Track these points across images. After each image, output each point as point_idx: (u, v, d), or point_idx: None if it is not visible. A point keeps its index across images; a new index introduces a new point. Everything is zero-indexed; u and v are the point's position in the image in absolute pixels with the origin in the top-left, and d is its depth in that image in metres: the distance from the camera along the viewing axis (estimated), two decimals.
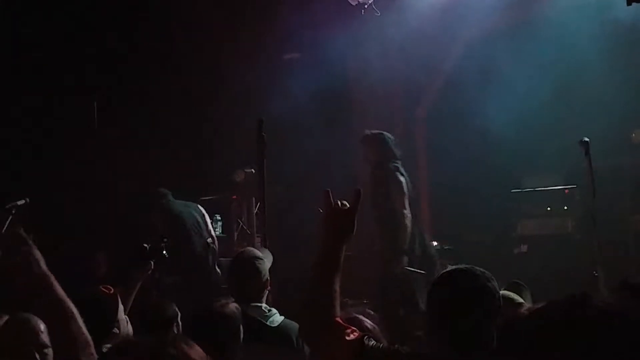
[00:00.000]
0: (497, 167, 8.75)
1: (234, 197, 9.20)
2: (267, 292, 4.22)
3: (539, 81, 8.26)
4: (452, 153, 8.74)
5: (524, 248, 8.45)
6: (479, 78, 8.74)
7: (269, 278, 4.22)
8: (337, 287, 2.82)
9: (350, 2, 7.84)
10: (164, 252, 4.42)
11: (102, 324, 3.72)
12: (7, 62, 8.49)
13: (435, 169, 9.32)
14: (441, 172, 9.02)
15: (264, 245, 5.14)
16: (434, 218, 9.56)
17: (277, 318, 4.07)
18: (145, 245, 4.33)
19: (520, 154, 8.68)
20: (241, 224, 9.17)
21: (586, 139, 6.06)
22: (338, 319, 2.76)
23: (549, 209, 8.57)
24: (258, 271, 4.16)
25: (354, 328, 2.79)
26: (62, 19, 8.72)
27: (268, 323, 3.99)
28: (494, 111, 8.73)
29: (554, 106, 8.52)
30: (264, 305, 4.09)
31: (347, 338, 2.72)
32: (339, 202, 2.95)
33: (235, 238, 9.14)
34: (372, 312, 3.62)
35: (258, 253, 4.31)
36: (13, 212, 6.07)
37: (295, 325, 3.85)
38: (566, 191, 8.57)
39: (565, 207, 8.52)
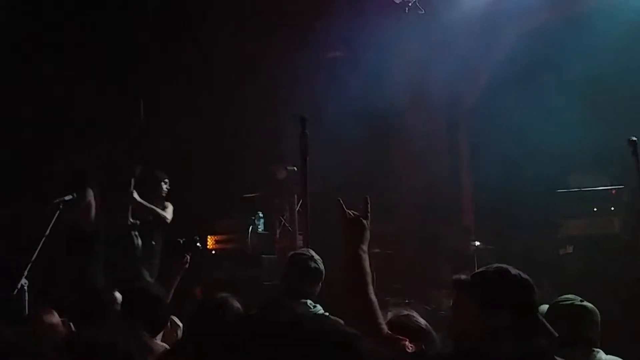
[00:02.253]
0: (544, 167, 8.64)
1: (275, 200, 9.26)
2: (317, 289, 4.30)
3: (587, 78, 8.14)
4: (498, 152, 8.66)
5: (570, 249, 8.33)
6: (524, 76, 8.65)
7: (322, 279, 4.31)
8: (373, 295, 2.83)
9: (394, 0, 7.81)
10: (198, 244, 4.51)
11: (155, 315, 3.83)
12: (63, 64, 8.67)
13: (480, 168, 9.25)
14: (486, 171, 8.95)
15: (306, 242, 5.15)
16: (478, 217, 9.51)
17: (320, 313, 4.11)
18: (180, 239, 4.42)
19: (567, 153, 8.56)
20: (283, 221, 9.21)
21: (634, 138, 5.95)
22: (387, 332, 2.77)
23: (595, 209, 8.44)
24: (312, 271, 4.26)
25: (403, 338, 2.79)
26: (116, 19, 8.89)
27: None
28: (540, 110, 8.64)
29: (602, 104, 8.39)
30: (309, 301, 4.15)
31: (407, 350, 2.74)
32: (350, 212, 3.05)
33: (277, 235, 9.18)
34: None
35: (314, 254, 4.38)
36: (60, 207, 6.19)
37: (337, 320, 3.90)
38: (613, 191, 8.42)
39: (612, 208, 8.37)
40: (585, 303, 3.64)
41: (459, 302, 2.80)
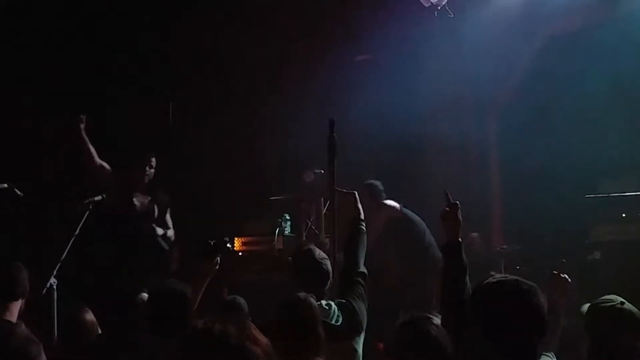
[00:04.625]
0: (573, 171, 8.57)
1: (303, 198, 9.27)
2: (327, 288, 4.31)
3: (617, 81, 8.08)
4: (526, 156, 8.62)
5: (597, 255, 8.25)
6: (554, 79, 8.60)
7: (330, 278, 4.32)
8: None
9: (424, 3, 7.80)
10: (228, 245, 4.52)
11: (178, 317, 3.86)
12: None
13: (509, 171, 9.21)
14: (515, 174, 8.91)
15: (333, 245, 5.16)
16: (507, 220, 9.46)
17: (336, 313, 4.11)
18: (211, 241, 4.43)
19: (597, 157, 8.49)
20: (310, 224, 9.22)
21: None
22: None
23: (624, 215, 8.35)
24: (324, 271, 4.27)
25: None
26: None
27: (333, 322, 4.05)
28: (570, 113, 8.58)
29: (633, 109, 8.31)
30: (323, 302, 4.13)
31: None
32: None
33: (304, 238, 9.20)
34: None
35: (317, 253, 4.37)
36: (90, 207, 6.25)
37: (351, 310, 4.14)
38: None
39: None
40: (627, 305, 3.59)
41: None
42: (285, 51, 9.48)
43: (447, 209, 3.57)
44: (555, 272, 4.03)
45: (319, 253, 4.39)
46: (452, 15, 7.85)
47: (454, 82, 8.94)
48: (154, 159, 7.47)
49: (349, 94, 8.47)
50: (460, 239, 3.49)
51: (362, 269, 4.47)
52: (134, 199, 7.35)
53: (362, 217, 4.70)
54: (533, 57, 9.05)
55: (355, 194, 4.79)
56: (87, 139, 7.28)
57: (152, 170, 7.46)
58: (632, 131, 8.28)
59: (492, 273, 3.39)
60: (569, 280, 3.99)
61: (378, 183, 8.00)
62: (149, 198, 7.44)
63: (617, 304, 3.59)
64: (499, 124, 9.69)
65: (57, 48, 8.69)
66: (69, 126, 7.30)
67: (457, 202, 3.59)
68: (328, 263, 4.35)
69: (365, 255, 4.56)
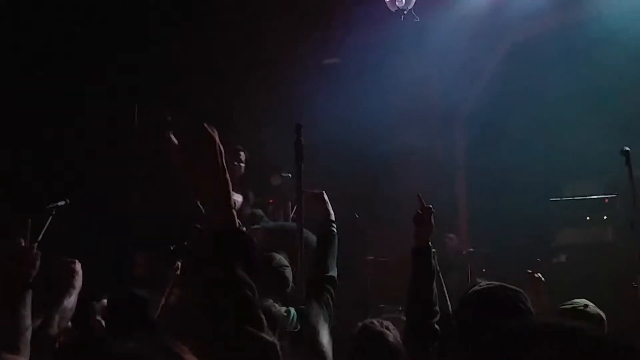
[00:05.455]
0: (538, 174, 8.65)
1: (271, 200, 9.21)
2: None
3: (581, 88, 8.17)
4: (492, 159, 8.67)
5: (562, 258, 8.33)
6: (519, 86, 8.67)
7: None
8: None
9: (390, 8, 7.82)
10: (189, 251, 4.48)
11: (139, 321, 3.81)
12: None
13: (475, 175, 9.26)
14: (481, 177, 8.97)
15: (300, 250, 5.13)
16: (472, 224, 9.50)
17: (295, 320, 4.07)
18: (171, 246, 4.39)
19: (561, 161, 8.58)
20: None
21: (627, 148, 5.97)
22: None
23: (588, 218, 8.45)
24: (283, 278, 4.26)
25: None
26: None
27: (292, 329, 4.00)
28: (533, 118, 8.65)
29: (595, 114, 8.41)
30: (283, 309, 4.08)
31: None
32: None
33: None
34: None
35: (282, 260, 4.34)
36: (53, 212, 6.15)
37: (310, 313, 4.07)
38: (606, 200, 8.44)
39: (605, 217, 8.38)
40: (590, 308, 3.61)
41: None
42: (252, 53, 9.43)
43: (420, 212, 3.59)
44: (529, 271, 4.12)
45: (279, 260, 4.35)
46: (418, 20, 7.88)
47: (420, 87, 8.96)
48: (242, 153, 7.12)
49: (316, 98, 8.45)
50: (430, 244, 3.52)
51: (331, 273, 4.40)
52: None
53: (333, 218, 4.62)
54: (496, 64, 9.12)
55: (323, 193, 4.71)
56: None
57: (243, 166, 7.10)
58: (596, 135, 8.37)
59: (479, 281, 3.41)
60: (542, 279, 4.04)
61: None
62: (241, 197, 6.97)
63: (581, 306, 3.62)
64: (464, 129, 9.74)
65: None
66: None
67: (430, 206, 3.59)
68: (288, 270, 4.30)
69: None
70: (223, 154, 2.15)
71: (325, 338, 4.20)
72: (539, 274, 4.22)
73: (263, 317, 2.08)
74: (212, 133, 2.17)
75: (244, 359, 2.07)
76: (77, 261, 3.28)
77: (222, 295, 2.00)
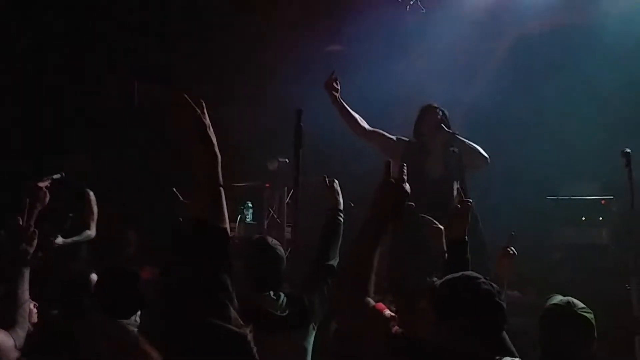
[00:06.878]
0: (535, 173, 8.62)
1: (267, 185, 9.21)
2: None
3: (582, 89, 8.14)
4: (490, 157, 8.65)
5: (557, 256, 8.32)
6: (519, 82, 8.64)
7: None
8: (375, 262, 2.82)
9: None
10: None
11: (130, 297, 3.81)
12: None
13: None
14: (478, 175, 8.94)
15: (294, 234, 5.12)
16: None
17: (283, 304, 4.01)
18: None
19: (559, 161, 8.56)
20: (272, 212, 9.17)
21: (628, 150, 5.96)
22: (375, 304, 2.75)
23: (584, 218, 8.43)
24: (280, 259, 4.13)
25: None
26: None
27: (279, 313, 3.96)
28: (533, 117, 8.63)
29: (596, 114, 8.38)
30: (271, 293, 4.02)
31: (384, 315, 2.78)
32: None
33: (265, 226, 9.15)
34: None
35: (271, 240, 4.26)
36: (47, 185, 6.10)
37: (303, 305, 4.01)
38: (603, 202, 8.42)
39: (600, 218, 8.36)
40: (577, 309, 3.56)
41: (424, 308, 2.79)
42: (254, 40, 9.39)
43: (459, 205, 3.70)
44: (504, 246, 4.37)
45: (272, 240, 4.28)
46: (424, 11, 7.84)
47: (422, 78, 8.92)
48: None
49: (318, 85, 8.42)
50: (466, 238, 3.65)
51: (331, 262, 4.30)
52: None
53: (341, 207, 4.52)
54: (502, 57, 9.08)
55: (335, 182, 4.61)
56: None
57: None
58: (594, 135, 8.35)
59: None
60: (516, 253, 4.32)
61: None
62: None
63: (572, 306, 3.60)
64: (462, 125, 9.70)
65: None
66: None
67: (470, 200, 3.71)
68: (280, 248, 4.18)
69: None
70: (220, 160, 2.24)
71: (309, 327, 4.14)
72: (512, 248, 4.42)
73: (232, 309, 2.12)
74: (211, 138, 2.27)
75: (209, 350, 2.11)
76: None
77: (188, 290, 2.04)
